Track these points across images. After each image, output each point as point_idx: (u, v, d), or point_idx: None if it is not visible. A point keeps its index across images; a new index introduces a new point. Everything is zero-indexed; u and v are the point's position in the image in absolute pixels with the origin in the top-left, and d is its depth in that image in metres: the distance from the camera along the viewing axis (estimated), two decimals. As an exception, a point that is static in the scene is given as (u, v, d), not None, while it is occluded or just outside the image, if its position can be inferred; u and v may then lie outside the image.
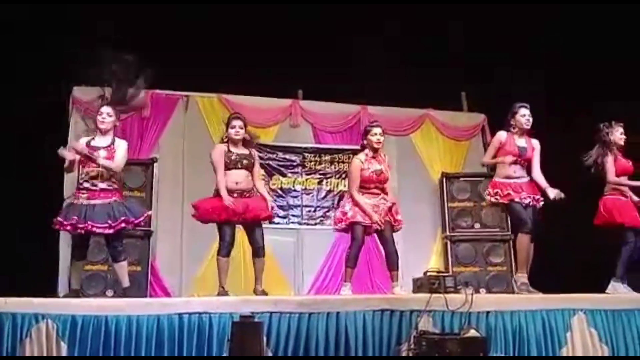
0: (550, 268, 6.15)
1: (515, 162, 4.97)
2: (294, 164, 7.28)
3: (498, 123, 6.44)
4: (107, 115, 4.64)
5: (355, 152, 7.33)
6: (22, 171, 5.21)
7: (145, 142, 6.75)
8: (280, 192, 7.18)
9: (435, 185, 7.40)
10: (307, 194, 7.25)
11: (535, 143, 5.10)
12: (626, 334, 4.25)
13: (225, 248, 4.84)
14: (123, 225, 4.48)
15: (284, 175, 7.23)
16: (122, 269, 4.60)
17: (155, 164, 6.46)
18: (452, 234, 7.03)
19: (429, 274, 4.52)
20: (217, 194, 4.86)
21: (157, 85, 6.83)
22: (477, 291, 4.84)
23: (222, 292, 4.73)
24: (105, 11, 6.08)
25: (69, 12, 5.96)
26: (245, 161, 4.93)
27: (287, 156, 7.27)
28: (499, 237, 6.86)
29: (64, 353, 3.56)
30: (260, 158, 7.08)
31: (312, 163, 7.31)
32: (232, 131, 4.97)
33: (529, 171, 5.08)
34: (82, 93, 6.42)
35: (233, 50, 6.49)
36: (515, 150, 4.99)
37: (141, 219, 4.60)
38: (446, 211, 7.10)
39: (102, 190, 4.48)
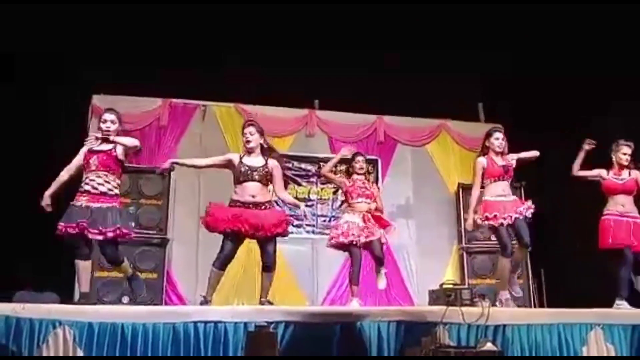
0: (568, 282, 6.10)
1: (501, 180, 5.07)
2: (310, 173, 7.30)
3: (515, 134, 6.42)
4: (111, 123, 4.55)
5: (369, 162, 7.43)
6: (41, 178, 5.25)
7: (163, 150, 6.80)
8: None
9: (452, 196, 7.37)
10: (322, 204, 7.25)
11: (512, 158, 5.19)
12: (644, 349, 4.18)
13: (220, 260, 4.64)
14: (114, 233, 4.36)
15: (300, 185, 7.25)
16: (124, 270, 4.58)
17: (172, 173, 6.50)
18: (469, 245, 6.99)
19: (445, 286, 4.49)
20: (230, 202, 4.72)
21: (174, 95, 6.93)
22: (493, 304, 4.81)
23: (203, 302, 4.59)
24: (123, 19, 6.15)
25: (88, 20, 6.04)
26: (256, 173, 4.70)
27: (302, 166, 7.29)
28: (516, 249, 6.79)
29: None
30: (276, 167, 7.14)
31: (328, 173, 7.32)
32: (243, 139, 4.83)
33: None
34: (101, 101, 6.50)
35: (250, 60, 6.54)
36: (499, 170, 5.08)
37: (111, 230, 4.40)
38: (462, 222, 7.06)
39: (103, 194, 4.43)
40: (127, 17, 6.16)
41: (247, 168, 4.71)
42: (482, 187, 5.12)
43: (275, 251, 4.76)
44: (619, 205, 5.02)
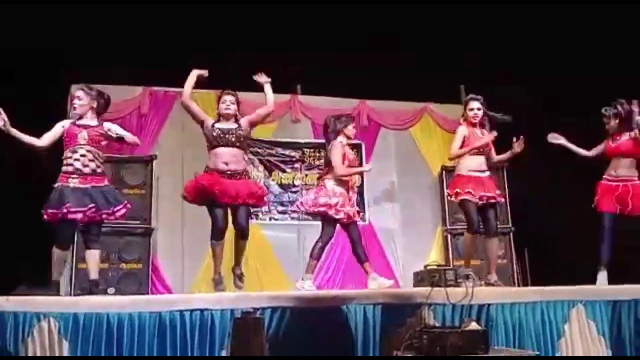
0: (550, 260, 6.18)
1: (480, 154, 4.97)
2: (294, 159, 7.29)
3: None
4: (77, 98, 4.43)
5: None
6: (21, 170, 5.21)
7: (145, 139, 6.73)
8: (279, 187, 7.19)
9: (435, 178, 7.41)
10: (307, 189, 7.25)
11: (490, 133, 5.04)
12: (624, 324, 4.25)
13: (217, 232, 4.62)
14: (124, 210, 4.38)
15: (284, 171, 7.24)
16: (93, 258, 4.37)
17: (154, 161, 6.47)
18: (453, 227, 7.03)
19: (429, 267, 4.53)
20: (205, 170, 4.66)
21: (155, 82, 6.87)
22: (477, 284, 4.88)
23: (218, 279, 4.61)
24: (103, 8, 6.06)
25: (67, 10, 5.95)
26: (230, 136, 4.61)
27: (286, 152, 7.27)
28: (500, 230, 6.85)
29: (66, 351, 3.56)
30: (259, 154, 7.14)
31: (312, 158, 7.33)
32: (222, 106, 4.74)
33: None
34: (80, 91, 6.41)
35: (231, 46, 6.49)
36: (479, 142, 4.97)
37: (121, 209, 4.40)
38: (446, 205, 7.10)
39: (93, 172, 4.33)
40: (107, 7, 6.08)
41: (219, 131, 4.63)
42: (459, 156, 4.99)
43: (248, 217, 4.71)
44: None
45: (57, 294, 4.27)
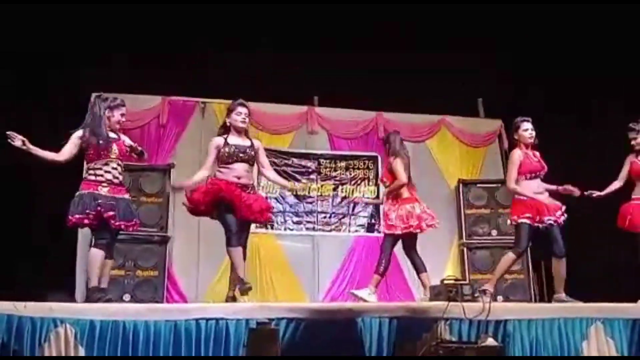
0: (569, 277, 6.10)
1: (536, 177, 4.84)
2: (310, 170, 7.30)
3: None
4: (124, 116, 4.63)
5: (370, 159, 7.40)
6: (41, 178, 5.25)
7: (163, 148, 6.81)
8: (295, 198, 7.20)
9: (452, 192, 7.37)
10: (322, 201, 7.26)
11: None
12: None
13: (235, 238, 4.52)
14: (134, 227, 4.55)
15: (299, 182, 7.24)
16: (106, 267, 4.47)
17: (172, 170, 6.51)
18: (469, 241, 6.99)
19: (446, 281, 4.50)
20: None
21: (174, 92, 6.93)
22: (494, 299, 4.82)
23: (244, 286, 4.46)
24: (120, 16, 6.14)
25: (86, 16, 6.04)
26: (243, 154, 4.62)
27: (302, 162, 7.29)
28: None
29: (82, 358, 3.58)
30: (276, 164, 7.14)
31: (328, 169, 7.33)
32: (238, 118, 4.67)
33: None
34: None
35: (249, 56, 6.54)
36: (537, 165, 4.83)
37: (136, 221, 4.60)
38: (463, 218, 7.06)
39: (120, 184, 4.50)
40: (127, 15, 6.16)
41: (234, 148, 4.63)
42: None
43: (246, 238, 4.71)
44: None
45: (108, 299, 4.32)
